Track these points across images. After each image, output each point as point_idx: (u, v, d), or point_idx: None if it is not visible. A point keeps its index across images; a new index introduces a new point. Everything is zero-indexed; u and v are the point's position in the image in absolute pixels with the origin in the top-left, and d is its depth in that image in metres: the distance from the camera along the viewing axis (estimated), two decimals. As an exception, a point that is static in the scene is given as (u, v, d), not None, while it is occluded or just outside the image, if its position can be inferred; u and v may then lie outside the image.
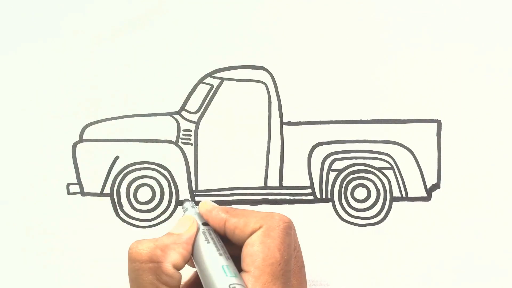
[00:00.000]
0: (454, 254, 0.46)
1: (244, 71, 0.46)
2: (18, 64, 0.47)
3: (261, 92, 0.46)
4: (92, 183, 0.46)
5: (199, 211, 0.39)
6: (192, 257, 0.36)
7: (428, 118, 0.46)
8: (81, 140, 0.47)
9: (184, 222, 0.38)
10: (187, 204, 0.41)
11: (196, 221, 0.38)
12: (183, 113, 0.47)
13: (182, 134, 0.47)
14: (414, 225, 0.46)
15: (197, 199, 0.47)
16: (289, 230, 0.34)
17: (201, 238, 0.36)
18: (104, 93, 0.47)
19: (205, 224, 0.37)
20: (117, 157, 0.47)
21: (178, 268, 0.35)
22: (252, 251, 0.33)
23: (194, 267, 0.37)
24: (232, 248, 0.35)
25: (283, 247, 0.33)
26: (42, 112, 0.47)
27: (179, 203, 0.46)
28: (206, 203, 0.39)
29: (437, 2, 0.46)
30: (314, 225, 0.46)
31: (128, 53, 0.47)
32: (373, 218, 0.46)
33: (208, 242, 0.35)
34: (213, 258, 0.34)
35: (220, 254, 0.34)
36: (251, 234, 0.34)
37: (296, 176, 0.46)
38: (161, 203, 0.47)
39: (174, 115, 0.47)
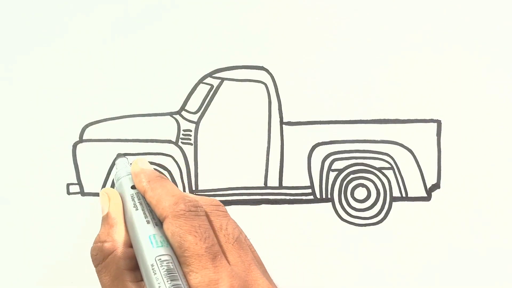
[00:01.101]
0: (454, 254, 0.46)
1: (244, 71, 0.46)
2: (18, 64, 0.47)
3: (261, 92, 0.46)
4: (92, 183, 0.46)
5: (131, 170, 0.39)
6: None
7: (428, 118, 0.46)
8: (81, 140, 0.47)
9: (102, 199, 0.38)
10: (120, 162, 0.40)
11: (112, 191, 0.38)
12: (183, 113, 0.47)
13: (182, 134, 0.47)
14: (414, 225, 0.46)
15: (197, 199, 0.47)
16: (195, 215, 0.34)
17: (130, 203, 0.36)
18: (104, 93, 0.47)
19: (134, 187, 0.37)
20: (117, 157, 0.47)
21: (130, 243, 0.36)
22: (170, 241, 0.34)
23: None
24: None
25: (193, 229, 0.33)
26: (42, 112, 0.47)
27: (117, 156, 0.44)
28: (137, 162, 0.39)
29: (437, 2, 0.46)
30: (314, 225, 0.46)
31: (128, 53, 0.47)
32: (373, 218, 0.46)
33: (137, 209, 0.35)
34: (141, 227, 0.34)
35: (148, 222, 0.34)
36: (160, 218, 0.35)
37: (296, 176, 0.46)
38: (161, 203, 0.47)
39: (174, 115, 0.47)
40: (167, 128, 0.46)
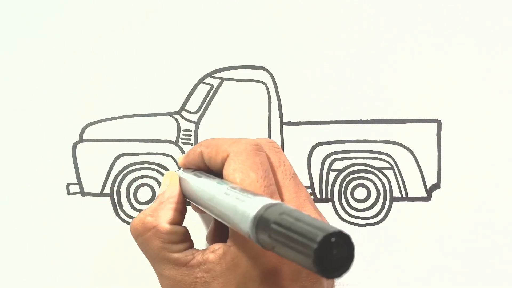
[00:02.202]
0: (454, 254, 0.46)
1: (244, 71, 0.46)
2: (18, 64, 0.47)
3: (261, 92, 0.46)
4: (92, 183, 0.46)
5: (179, 164, 0.39)
6: (195, 205, 0.37)
7: (428, 118, 0.46)
8: (81, 140, 0.47)
9: (164, 180, 0.39)
10: (178, 172, 0.41)
11: (175, 174, 0.39)
12: (183, 113, 0.47)
13: (182, 134, 0.47)
14: (414, 225, 0.46)
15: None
16: (257, 150, 0.34)
17: (192, 179, 0.36)
18: (104, 93, 0.47)
19: (195, 170, 0.38)
20: (117, 157, 0.47)
21: (175, 222, 0.36)
22: (231, 179, 0.34)
23: (203, 212, 0.38)
24: None
25: (255, 165, 0.33)
26: (42, 112, 0.47)
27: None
28: (181, 155, 0.40)
29: (437, 2, 0.46)
30: (314, 225, 0.46)
31: (128, 53, 0.47)
32: (373, 218, 0.46)
33: (200, 177, 0.36)
34: (206, 184, 0.34)
35: (213, 178, 0.34)
36: (222, 162, 0.35)
37: (296, 176, 0.46)
38: (161, 203, 0.47)
39: (174, 115, 0.47)
40: (167, 128, 0.46)
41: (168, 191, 0.38)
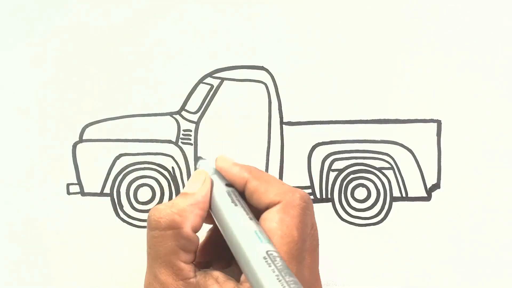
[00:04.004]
0: (454, 254, 0.46)
1: (244, 71, 0.46)
2: (18, 64, 0.47)
3: (261, 92, 0.46)
4: (92, 183, 0.46)
5: (216, 166, 0.37)
6: (214, 219, 0.35)
7: (428, 118, 0.46)
8: (81, 140, 0.47)
9: (196, 178, 0.36)
10: (202, 163, 0.38)
11: (209, 176, 0.36)
12: (183, 113, 0.47)
13: (182, 134, 0.47)
14: (414, 225, 0.46)
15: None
16: (307, 209, 0.33)
17: (226, 200, 0.34)
18: (104, 93, 0.47)
19: (229, 185, 0.35)
20: (117, 157, 0.47)
21: (196, 230, 0.34)
22: (270, 227, 0.32)
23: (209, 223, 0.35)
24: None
25: (301, 226, 0.32)
26: (42, 112, 0.47)
27: (196, 159, 0.43)
28: (224, 158, 0.37)
29: (437, 2, 0.46)
30: (314, 225, 0.46)
31: (128, 53, 0.47)
32: (373, 218, 0.46)
33: (236, 205, 0.33)
34: (244, 223, 0.32)
35: (251, 219, 0.32)
36: (268, 205, 0.33)
37: (296, 176, 0.46)
38: (161, 203, 0.47)
39: (174, 115, 0.47)
40: (167, 128, 0.46)
41: (200, 194, 0.35)
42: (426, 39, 0.46)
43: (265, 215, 0.33)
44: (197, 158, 0.40)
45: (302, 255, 0.32)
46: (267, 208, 0.33)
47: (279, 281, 0.28)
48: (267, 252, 0.30)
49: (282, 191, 0.33)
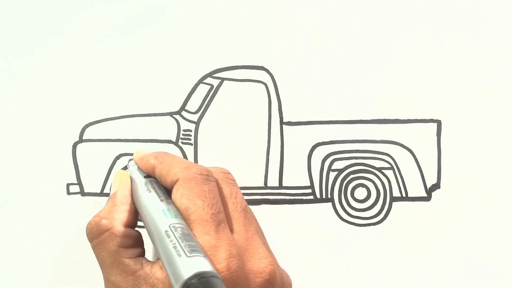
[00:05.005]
0: (454, 254, 0.46)
1: (244, 71, 0.46)
2: (18, 64, 0.47)
3: (261, 92, 0.46)
4: (92, 183, 0.46)
5: (133, 159, 0.39)
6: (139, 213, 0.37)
7: (428, 118, 0.46)
8: (81, 140, 0.47)
9: (114, 180, 0.39)
10: (130, 164, 0.40)
11: (125, 173, 0.39)
12: (183, 113, 0.47)
13: (182, 134, 0.47)
14: (414, 225, 0.46)
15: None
16: (206, 178, 0.35)
17: (142, 189, 0.36)
18: (104, 93, 0.47)
19: (147, 176, 0.38)
20: (117, 157, 0.47)
21: (130, 225, 0.36)
22: (176, 203, 0.34)
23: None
24: None
25: (202, 193, 0.34)
26: (42, 112, 0.47)
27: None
28: (139, 151, 0.40)
29: (437, 2, 0.46)
30: (314, 225, 0.46)
31: (128, 53, 0.47)
32: (373, 218, 0.46)
33: (150, 192, 0.36)
34: (155, 204, 0.34)
35: (161, 200, 0.35)
36: (171, 184, 0.35)
37: (296, 176, 0.46)
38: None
39: (174, 115, 0.47)
40: (167, 128, 0.46)
41: (120, 192, 0.37)
42: (426, 39, 0.46)
43: (172, 194, 0.35)
44: (129, 160, 0.42)
45: (217, 220, 0.33)
46: (173, 187, 0.35)
47: (175, 248, 0.30)
48: (169, 225, 0.32)
49: (180, 169, 0.35)
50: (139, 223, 0.37)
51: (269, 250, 0.36)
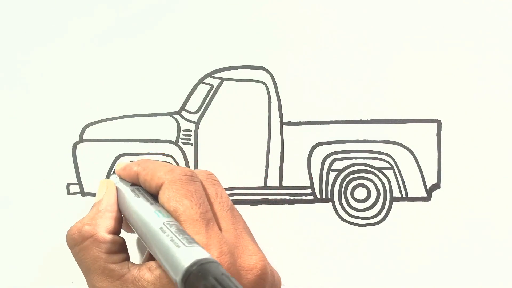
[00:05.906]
0: (454, 254, 0.46)
1: (244, 71, 0.46)
2: (18, 64, 0.47)
3: (261, 92, 0.46)
4: (92, 183, 0.46)
5: (116, 173, 0.39)
6: (126, 220, 0.37)
7: (428, 118, 0.46)
8: (81, 140, 0.47)
9: (99, 188, 0.39)
10: (112, 176, 0.41)
11: (110, 181, 0.39)
12: (183, 113, 0.47)
13: (182, 134, 0.47)
14: (414, 225, 0.46)
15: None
16: (191, 179, 0.35)
17: (130, 195, 0.36)
18: (104, 93, 0.47)
19: (134, 185, 0.38)
20: (117, 157, 0.47)
21: (114, 231, 0.36)
22: (166, 207, 0.34)
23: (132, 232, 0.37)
24: None
25: (189, 193, 0.34)
26: (42, 112, 0.47)
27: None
28: (120, 162, 0.40)
29: (437, 2, 0.46)
30: (314, 225, 0.46)
31: (128, 53, 0.47)
32: (373, 218, 0.46)
33: (138, 197, 0.36)
34: (145, 207, 0.35)
35: (151, 204, 0.35)
36: (156, 188, 0.35)
37: (296, 176, 0.46)
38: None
39: (174, 115, 0.47)
40: (167, 128, 0.46)
41: (106, 199, 0.37)
42: (426, 39, 0.46)
43: (159, 198, 0.35)
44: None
45: (206, 218, 0.34)
46: (158, 191, 0.36)
47: (172, 241, 0.31)
48: (164, 223, 0.32)
49: (164, 172, 0.35)
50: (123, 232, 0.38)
51: (258, 247, 0.37)
